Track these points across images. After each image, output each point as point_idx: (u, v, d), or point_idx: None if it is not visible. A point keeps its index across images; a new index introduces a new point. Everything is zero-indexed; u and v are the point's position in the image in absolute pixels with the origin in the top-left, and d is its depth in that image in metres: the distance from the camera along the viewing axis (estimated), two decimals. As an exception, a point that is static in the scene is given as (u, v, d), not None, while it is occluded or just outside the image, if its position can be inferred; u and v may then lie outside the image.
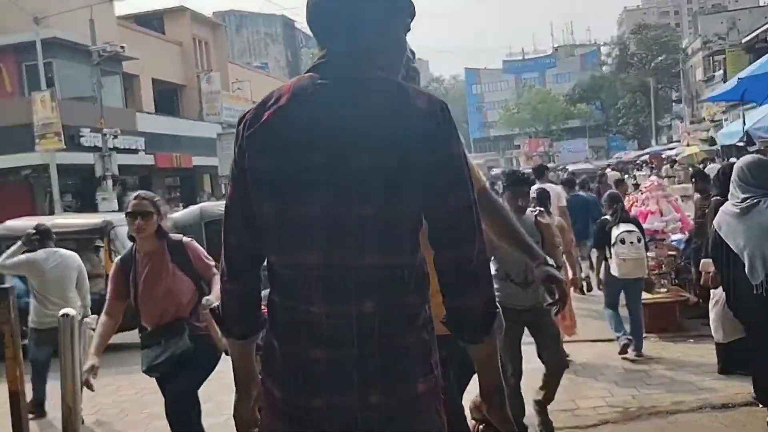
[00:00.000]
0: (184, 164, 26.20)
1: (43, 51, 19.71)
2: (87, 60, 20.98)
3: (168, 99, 31.49)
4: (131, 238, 3.83)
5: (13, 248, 5.85)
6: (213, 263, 3.75)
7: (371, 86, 1.54)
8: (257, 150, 1.55)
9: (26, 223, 8.18)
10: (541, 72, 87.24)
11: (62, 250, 5.91)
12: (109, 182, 19.83)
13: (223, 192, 28.47)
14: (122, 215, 9.40)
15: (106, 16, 22.94)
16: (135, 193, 3.91)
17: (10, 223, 8.56)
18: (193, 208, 11.25)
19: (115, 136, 20.63)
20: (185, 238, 3.88)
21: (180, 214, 11.29)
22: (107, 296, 3.85)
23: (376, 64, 1.58)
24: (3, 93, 21.48)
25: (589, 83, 71.24)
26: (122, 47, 21.01)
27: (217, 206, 11.37)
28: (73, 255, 5.98)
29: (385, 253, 1.51)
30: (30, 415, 4.66)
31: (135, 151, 23.41)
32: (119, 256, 4.13)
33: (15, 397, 4.03)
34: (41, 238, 5.89)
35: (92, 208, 19.14)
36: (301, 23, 55.78)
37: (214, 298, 3.32)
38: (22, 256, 5.78)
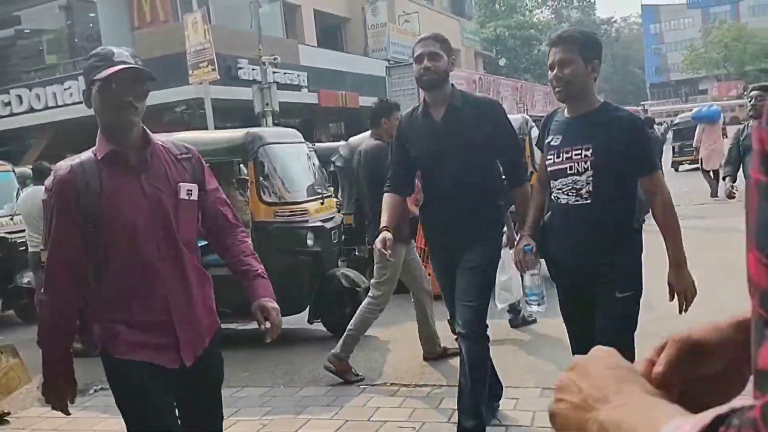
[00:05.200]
0: (350, 104, 23.24)
1: (196, -30, 17.17)
2: (244, -19, 18.26)
3: (331, 34, 28.67)
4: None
5: None
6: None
7: None
8: None
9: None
10: (733, 4, 77.90)
11: None
12: (269, 120, 17.07)
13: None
14: (282, 130, 5.84)
15: (264, -66, 20.12)
16: None
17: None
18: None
19: (275, 66, 17.76)
20: None
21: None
22: None
23: None
24: (156, 22, 19.38)
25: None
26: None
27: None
28: None
29: None
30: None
31: (297, 88, 20.68)
32: None
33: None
34: (35, 176, 6.89)
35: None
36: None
37: None
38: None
